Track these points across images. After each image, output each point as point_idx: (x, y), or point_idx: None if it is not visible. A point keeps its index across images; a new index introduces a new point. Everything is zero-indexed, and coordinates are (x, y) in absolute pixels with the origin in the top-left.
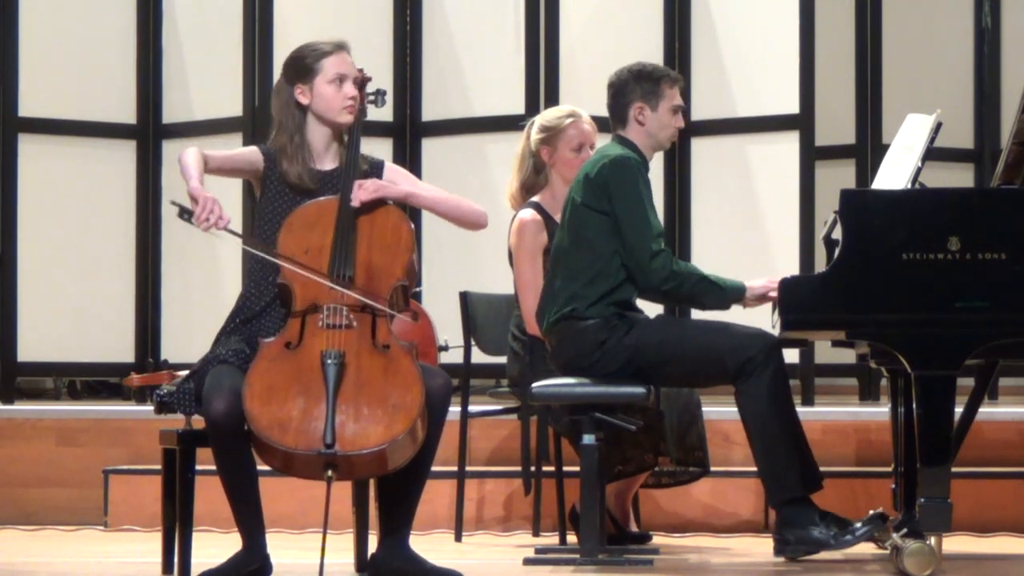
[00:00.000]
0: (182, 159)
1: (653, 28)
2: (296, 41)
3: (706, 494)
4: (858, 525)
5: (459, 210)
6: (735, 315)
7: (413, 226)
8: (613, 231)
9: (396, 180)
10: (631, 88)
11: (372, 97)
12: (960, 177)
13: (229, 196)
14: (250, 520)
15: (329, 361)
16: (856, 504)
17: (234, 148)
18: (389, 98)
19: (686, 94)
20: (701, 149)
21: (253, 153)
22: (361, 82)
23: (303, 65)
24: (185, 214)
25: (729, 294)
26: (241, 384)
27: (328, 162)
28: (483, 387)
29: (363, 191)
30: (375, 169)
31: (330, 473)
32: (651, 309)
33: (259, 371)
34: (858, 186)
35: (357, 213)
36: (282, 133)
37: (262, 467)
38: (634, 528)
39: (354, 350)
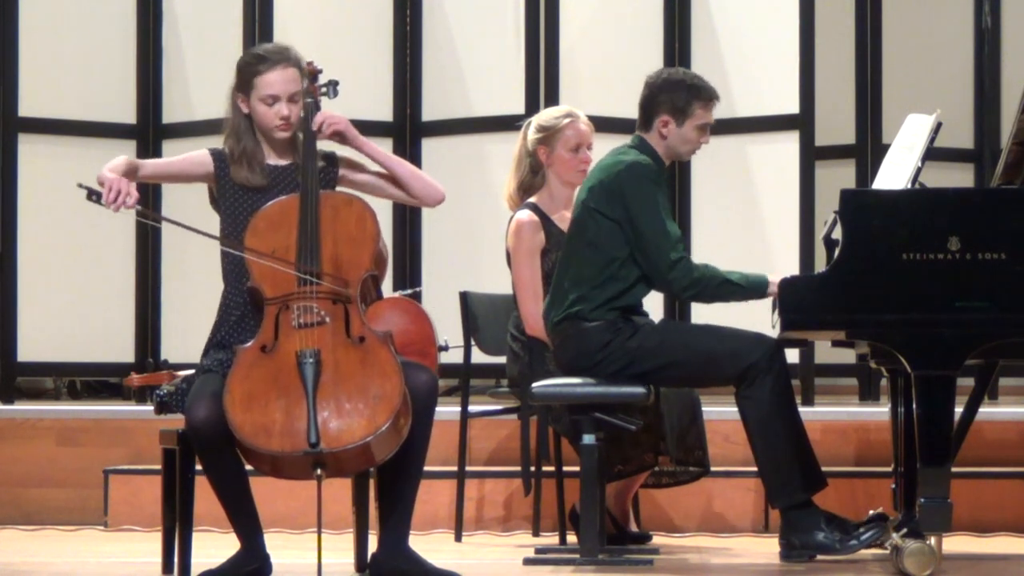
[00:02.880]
0: (109, 162)
1: (653, 28)
2: (296, 41)
3: (706, 494)
4: (862, 530)
5: (416, 177)
6: (737, 315)
7: (376, 214)
8: (625, 238)
9: (352, 166)
10: (663, 98)
11: (324, 89)
12: (960, 177)
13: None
14: (245, 522)
15: (306, 360)
16: (856, 504)
17: (181, 155)
18: (389, 98)
19: None
20: (701, 149)
21: (201, 155)
22: (312, 75)
23: (243, 78)
24: (93, 195)
25: (751, 292)
26: (222, 389)
27: (284, 158)
28: (483, 387)
29: (329, 119)
30: (330, 162)
31: (319, 472)
32: (649, 305)
33: (238, 378)
34: (858, 186)
35: (320, 208)
36: (231, 135)
37: None
38: (634, 528)
39: (329, 346)
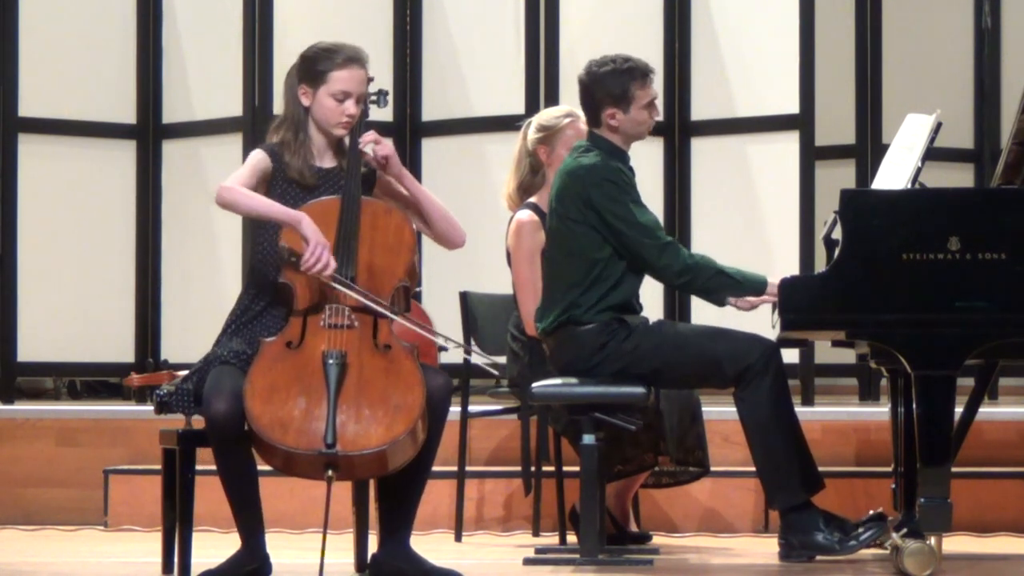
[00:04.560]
0: (235, 198)
1: (653, 28)
2: (296, 41)
3: (706, 494)
4: (861, 530)
5: (446, 217)
6: (737, 314)
7: (415, 227)
8: (602, 239)
9: (388, 184)
10: (600, 92)
11: (374, 97)
12: (960, 177)
13: None
14: (250, 520)
15: (331, 361)
16: (856, 504)
17: (246, 164)
18: (389, 98)
19: (686, 94)
20: (701, 149)
21: (263, 159)
22: (366, 84)
23: (313, 69)
24: (293, 257)
25: (748, 289)
26: (241, 385)
27: (328, 160)
28: (483, 387)
29: (380, 146)
30: (370, 171)
31: (330, 473)
32: (649, 305)
33: (260, 370)
34: (858, 186)
35: (360, 213)
36: (287, 126)
37: (262, 467)
38: (634, 528)
39: (355, 350)
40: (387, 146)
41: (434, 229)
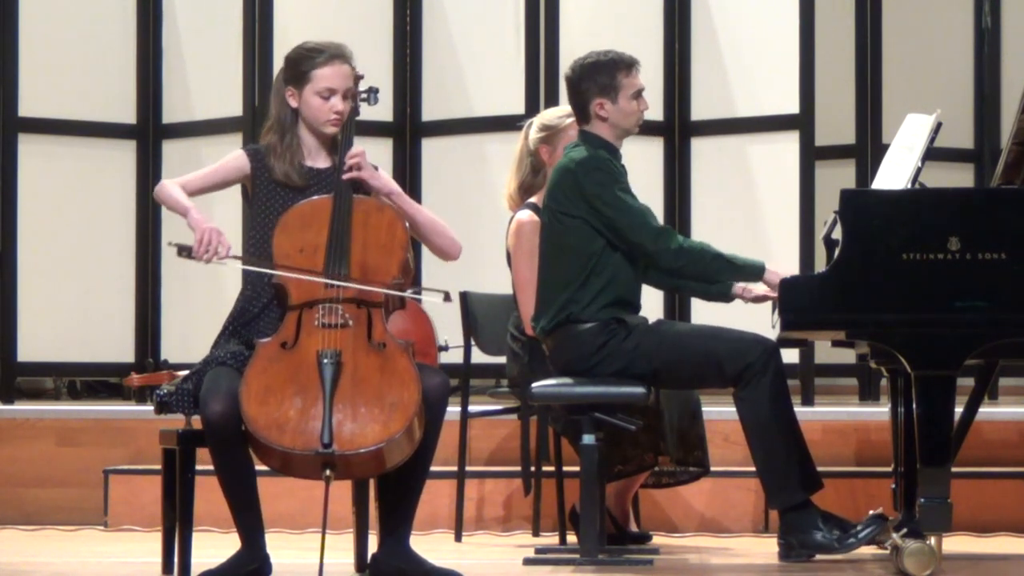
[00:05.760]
0: (161, 194)
1: (653, 29)
2: (296, 41)
3: (706, 494)
4: (860, 528)
5: (438, 229)
6: (736, 315)
7: (408, 224)
8: (595, 232)
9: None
10: (587, 85)
11: (364, 95)
12: (960, 177)
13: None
14: (249, 520)
15: (325, 360)
16: (856, 504)
17: (218, 161)
18: (389, 98)
19: (686, 94)
20: (701, 149)
21: (238, 159)
22: (354, 80)
23: (297, 70)
24: (184, 252)
25: (746, 273)
26: (238, 386)
27: (321, 160)
28: (483, 387)
29: (361, 162)
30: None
31: (328, 473)
32: (649, 305)
33: (256, 371)
34: (858, 186)
35: (352, 212)
36: (275, 129)
37: (261, 467)
38: (634, 528)
39: (350, 349)
40: (367, 166)
41: (428, 243)
